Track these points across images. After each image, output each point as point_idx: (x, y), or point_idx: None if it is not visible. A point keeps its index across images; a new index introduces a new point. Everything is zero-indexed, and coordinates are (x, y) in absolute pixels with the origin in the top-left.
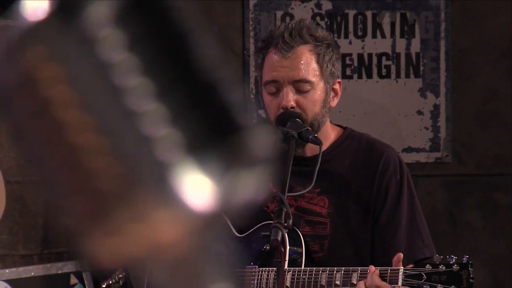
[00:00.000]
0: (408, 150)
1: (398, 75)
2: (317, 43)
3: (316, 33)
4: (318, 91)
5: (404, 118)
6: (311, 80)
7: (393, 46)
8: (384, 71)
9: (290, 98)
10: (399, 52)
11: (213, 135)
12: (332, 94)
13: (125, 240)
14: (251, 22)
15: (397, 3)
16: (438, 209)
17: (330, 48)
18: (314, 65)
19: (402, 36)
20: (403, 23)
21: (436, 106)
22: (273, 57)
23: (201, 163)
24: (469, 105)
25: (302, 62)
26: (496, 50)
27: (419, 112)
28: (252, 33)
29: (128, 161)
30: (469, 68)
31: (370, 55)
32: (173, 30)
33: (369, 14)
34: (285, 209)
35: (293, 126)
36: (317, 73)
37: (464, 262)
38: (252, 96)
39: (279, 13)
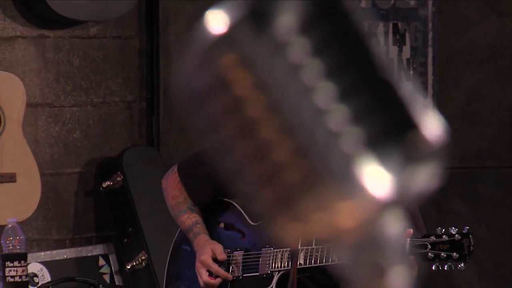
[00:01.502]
0: None
1: None
2: None
3: None
4: None
5: None
6: None
7: (386, 53)
8: None
9: None
10: (392, 58)
11: (393, 130)
12: None
13: (308, 226)
14: None
15: (390, 15)
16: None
17: None
18: None
19: (394, 43)
20: (395, 32)
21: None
22: None
23: (382, 156)
24: (453, 105)
25: None
26: (477, 56)
27: None
28: None
29: (314, 155)
30: (453, 73)
31: None
32: (354, 33)
33: (365, 24)
34: None
35: None
36: None
37: (465, 232)
38: None
39: None
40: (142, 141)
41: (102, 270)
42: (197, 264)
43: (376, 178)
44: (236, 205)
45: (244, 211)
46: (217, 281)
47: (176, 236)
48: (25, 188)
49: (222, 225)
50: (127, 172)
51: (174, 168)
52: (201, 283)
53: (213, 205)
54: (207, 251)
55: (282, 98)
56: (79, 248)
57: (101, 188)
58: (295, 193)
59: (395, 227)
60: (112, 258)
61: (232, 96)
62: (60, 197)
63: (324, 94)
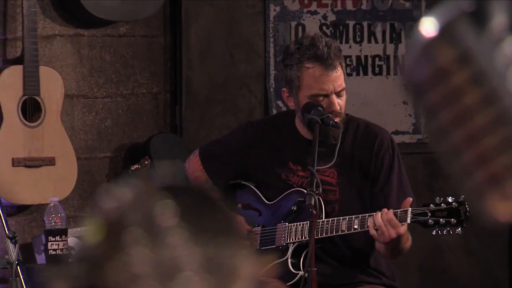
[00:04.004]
0: (395, 132)
1: (388, 73)
2: (342, 57)
3: (340, 50)
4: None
5: (392, 107)
6: (345, 87)
7: (384, 50)
8: (377, 69)
9: (336, 104)
10: (389, 54)
11: None
12: None
13: None
14: (271, 31)
15: (388, 15)
16: (419, 179)
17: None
18: (343, 74)
19: (391, 41)
20: (392, 31)
21: None
22: (319, 72)
23: None
24: None
25: (340, 75)
26: None
27: (404, 102)
28: (272, 39)
29: None
30: None
31: (366, 57)
32: None
33: (365, 24)
34: (315, 180)
35: (317, 113)
36: (344, 78)
37: (461, 200)
38: (272, 89)
39: (293, 23)
40: (167, 129)
41: None
42: None
43: None
44: (252, 186)
45: (259, 191)
46: None
47: None
48: (63, 170)
49: (239, 205)
50: (154, 156)
51: (196, 152)
52: None
53: (231, 187)
54: None
55: (499, 89)
56: None
57: (129, 171)
58: (506, 173)
59: None
60: None
61: (451, 85)
62: (94, 179)
63: None
